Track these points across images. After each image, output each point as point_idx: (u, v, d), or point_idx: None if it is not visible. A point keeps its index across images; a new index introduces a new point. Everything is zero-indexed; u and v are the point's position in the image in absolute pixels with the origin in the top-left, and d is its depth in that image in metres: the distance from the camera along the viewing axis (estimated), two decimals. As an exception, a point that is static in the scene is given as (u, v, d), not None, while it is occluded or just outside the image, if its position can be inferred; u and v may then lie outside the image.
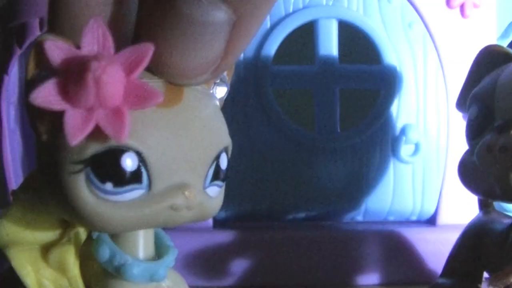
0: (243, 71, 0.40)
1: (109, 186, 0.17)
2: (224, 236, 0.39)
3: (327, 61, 0.41)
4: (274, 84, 0.41)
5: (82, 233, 0.20)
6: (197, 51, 0.17)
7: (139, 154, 0.17)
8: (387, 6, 0.41)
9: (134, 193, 0.17)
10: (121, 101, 0.16)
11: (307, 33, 0.41)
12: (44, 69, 0.16)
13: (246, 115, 0.41)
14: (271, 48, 0.41)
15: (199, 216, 0.18)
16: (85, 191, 0.17)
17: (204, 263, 0.39)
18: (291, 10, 0.41)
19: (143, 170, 0.17)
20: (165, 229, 0.21)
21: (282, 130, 0.41)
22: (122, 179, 0.17)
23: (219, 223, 0.42)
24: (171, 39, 0.17)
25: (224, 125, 0.19)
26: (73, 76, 0.16)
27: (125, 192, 0.17)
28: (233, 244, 0.39)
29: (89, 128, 0.16)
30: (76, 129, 0.16)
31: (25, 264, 0.19)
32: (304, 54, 0.43)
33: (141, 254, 0.19)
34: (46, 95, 0.16)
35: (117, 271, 0.18)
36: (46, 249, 0.19)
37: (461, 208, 0.40)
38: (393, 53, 0.41)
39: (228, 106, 0.43)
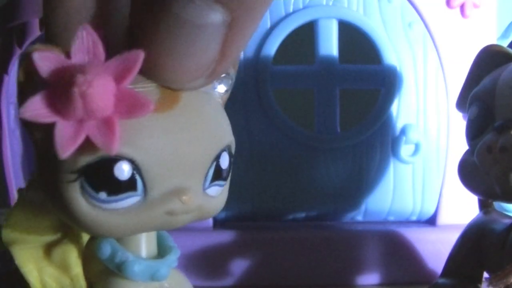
0: (243, 71, 0.40)
1: (103, 195, 0.17)
2: (224, 236, 0.39)
3: (327, 61, 0.41)
4: (274, 84, 0.41)
5: (84, 233, 0.20)
6: (191, 54, 0.16)
7: (132, 162, 0.17)
8: (387, 6, 0.41)
9: (130, 200, 0.17)
10: (112, 110, 0.16)
11: (307, 33, 0.41)
12: (33, 81, 0.16)
13: (246, 115, 0.41)
14: (271, 48, 0.41)
15: (200, 217, 0.18)
16: (80, 199, 0.17)
17: (204, 263, 0.39)
18: (291, 10, 0.41)
19: (137, 177, 0.17)
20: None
21: (282, 130, 0.41)
22: (116, 187, 0.17)
23: (219, 223, 0.42)
24: (165, 42, 0.16)
25: (225, 123, 0.19)
26: (61, 89, 0.15)
27: (120, 200, 0.17)
28: (233, 244, 0.39)
29: (80, 140, 0.16)
30: (66, 141, 0.16)
31: (28, 262, 0.19)
32: (304, 54, 0.43)
33: (143, 252, 0.19)
34: (35, 108, 0.16)
35: (118, 269, 0.18)
36: (48, 248, 0.19)
37: (461, 208, 0.40)
38: (393, 53, 0.41)
39: (228, 106, 0.43)
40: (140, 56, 0.16)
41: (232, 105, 0.40)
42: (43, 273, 0.19)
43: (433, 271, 0.38)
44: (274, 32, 0.41)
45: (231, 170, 0.19)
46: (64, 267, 0.19)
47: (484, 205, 0.32)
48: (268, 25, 0.41)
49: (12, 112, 0.47)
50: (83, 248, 0.20)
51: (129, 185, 0.17)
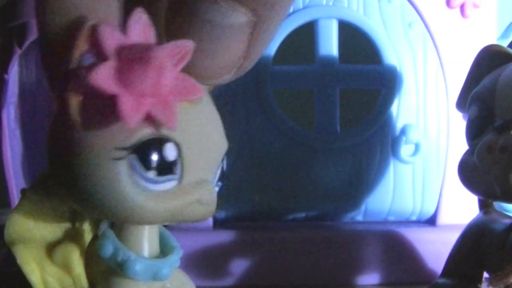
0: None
1: (151, 174, 0.17)
2: (224, 236, 0.39)
3: (327, 61, 0.41)
4: (274, 84, 0.41)
5: (87, 233, 0.20)
6: (219, 52, 0.17)
7: (178, 145, 0.17)
8: (387, 6, 0.41)
9: (169, 184, 0.17)
10: (169, 91, 0.16)
11: (307, 33, 0.41)
12: (93, 53, 0.17)
13: (246, 115, 0.41)
14: (271, 48, 0.41)
15: (208, 214, 0.19)
16: (126, 177, 0.17)
17: (204, 263, 0.39)
18: (291, 10, 0.41)
19: (178, 161, 0.17)
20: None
21: (282, 130, 0.41)
22: (164, 168, 0.17)
23: (219, 223, 0.42)
24: (194, 41, 0.17)
25: (222, 127, 0.20)
26: (134, 61, 0.16)
27: (164, 181, 0.17)
28: (233, 244, 0.39)
29: (143, 112, 0.16)
30: (131, 112, 0.16)
31: (31, 261, 0.19)
32: (304, 54, 0.43)
33: (145, 252, 0.19)
34: (104, 77, 0.16)
35: (120, 267, 0.19)
36: (51, 248, 0.20)
37: (461, 208, 0.40)
38: (393, 53, 0.41)
39: (228, 106, 0.44)
40: (191, 44, 0.17)
41: (232, 105, 0.40)
42: (45, 272, 0.19)
43: (433, 271, 0.38)
44: (274, 32, 0.41)
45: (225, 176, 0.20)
46: (66, 267, 0.19)
47: (484, 205, 0.32)
48: (268, 25, 0.41)
49: (12, 112, 0.47)
50: (85, 248, 0.20)
51: (173, 168, 0.17)
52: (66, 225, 0.20)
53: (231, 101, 0.40)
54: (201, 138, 0.18)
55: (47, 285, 0.19)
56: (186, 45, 0.17)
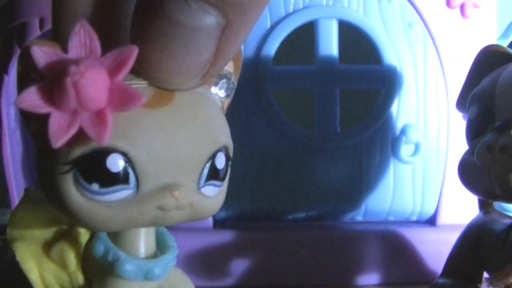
0: (243, 71, 0.40)
1: (95, 186, 0.17)
2: (224, 236, 0.39)
3: (327, 61, 0.41)
4: (274, 84, 0.41)
5: (85, 232, 0.20)
6: (186, 56, 0.17)
7: (125, 155, 0.17)
8: (387, 6, 0.41)
9: (122, 193, 0.17)
10: (105, 103, 0.16)
11: (307, 33, 0.41)
12: (30, 73, 0.17)
13: (246, 115, 0.41)
14: (271, 48, 0.41)
15: (194, 216, 0.19)
16: (73, 191, 0.17)
17: (204, 263, 0.39)
18: (291, 10, 0.41)
19: (130, 170, 0.17)
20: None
21: (282, 130, 0.41)
22: (108, 179, 0.17)
23: (219, 223, 0.42)
24: (160, 44, 0.16)
25: (223, 125, 0.19)
26: (55, 80, 0.16)
27: (112, 192, 0.17)
28: (233, 244, 0.39)
29: (73, 130, 0.16)
30: (59, 131, 0.16)
31: (29, 258, 0.19)
32: (304, 54, 0.43)
33: (139, 252, 0.19)
34: (31, 99, 0.16)
35: (111, 267, 0.19)
36: (48, 245, 0.20)
37: (461, 208, 0.40)
38: (393, 53, 0.41)
39: (228, 106, 0.43)
40: (134, 51, 0.16)
41: (232, 105, 0.40)
42: (43, 269, 0.20)
43: (433, 271, 0.38)
44: (274, 32, 0.41)
45: (228, 173, 0.20)
46: (62, 264, 0.20)
47: (484, 205, 0.32)
48: (268, 25, 0.41)
49: (12, 112, 0.47)
50: (82, 247, 0.20)
51: (122, 178, 0.17)
52: (65, 224, 0.20)
53: (231, 101, 0.40)
54: (164, 143, 0.17)
55: (45, 281, 0.19)
56: (126, 53, 0.16)
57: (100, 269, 0.19)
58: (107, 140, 0.16)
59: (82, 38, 0.16)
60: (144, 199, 0.17)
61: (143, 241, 0.19)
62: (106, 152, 0.17)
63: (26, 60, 0.17)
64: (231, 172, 0.20)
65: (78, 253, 0.20)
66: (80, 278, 0.20)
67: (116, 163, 0.17)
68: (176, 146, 0.17)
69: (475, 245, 0.30)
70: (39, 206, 0.20)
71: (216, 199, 0.19)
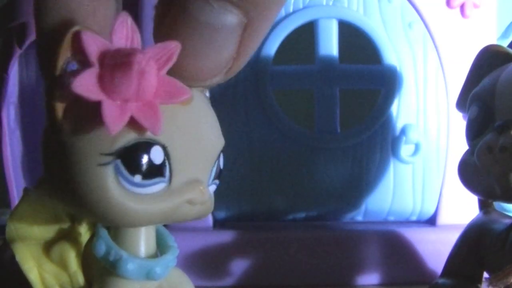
0: (243, 71, 0.40)
1: (138, 178, 0.17)
2: (224, 236, 0.39)
3: (327, 61, 0.41)
4: (274, 84, 0.41)
5: (85, 232, 0.20)
6: (210, 54, 0.17)
7: (164, 148, 0.17)
8: (387, 6, 0.41)
9: (158, 186, 0.17)
10: (153, 95, 0.17)
11: (307, 33, 0.41)
12: (77, 60, 0.17)
13: (246, 115, 0.41)
14: (271, 48, 0.41)
15: (203, 213, 0.19)
16: (112, 183, 0.17)
17: (204, 263, 0.39)
18: (291, 10, 0.41)
19: (166, 163, 0.17)
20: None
21: (282, 130, 0.41)
22: (151, 171, 0.17)
23: (219, 223, 0.42)
24: (185, 43, 0.17)
25: (219, 126, 0.20)
26: (116, 67, 0.16)
27: (152, 184, 0.17)
28: (233, 244, 0.39)
29: (127, 118, 0.16)
30: (114, 119, 0.16)
31: (29, 259, 0.19)
32: (304, 54, 0.43)
33: (140, 251, 0.19)
34: (87, 83, 0.16)
35: (112, 267, 0.19)
36: (48, 245, 0.20)
37: (461, 208, 0.40)
38: (393, 53, 0.41)
39: (228, 106, 0.44)
40: (177, 46, 0.17)
41: (232, 105, 0.40)
42: (43, 269, 0.20)
43: (433, 271, 0.38)
44: (274, 32, 0.41)
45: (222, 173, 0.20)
46: (62, 264, 0.20)
47: (484, 205, 0.32)
48: (268, 25, 0.41)
49: (12, 112, 0.47)
50: (82, 247, 0.20)
51: (160, 170, 0.17)
52: (65, 223, 0.20)
53: (231, 101, 0.40)
54: (191, 139, 0.18)
55: (44, 282, 0.19)
56: (171, 47, 0.17)
57: (101, 269, 0.19)
58: (160, 131, 0.16)
59: (125, 30, 0.17)
60: (176, 193, 0.18)
61: (144, 240, 0.19)
62: (150, 144, 0.17)
63: (73, 46, 0.16)
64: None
65: (78, 253, 0.20)
66: (80, 278, 0.20)
67: (159, 155, 0.17)
68: (202, 141, 0.18)
69: (475, 245, 0.30)
70: (39, 206, 0.20)
71: (212, 198, 0.19)
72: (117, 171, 0.17)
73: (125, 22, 0.17)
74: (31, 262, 0.19)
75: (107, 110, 0.16)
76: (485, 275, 0.30)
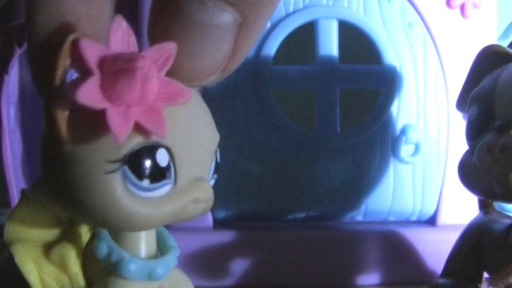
0: (243, 71, 0.40)
1: (146, 183, 0.17)
2: (224, 236, 0.39)
3: (327, 61, 0.41)
4: (274, 84, 0.41)
5: (85, 233, 0.20)
6: (205, 53, 0.17)
7: (169, 149, 0.17)
8: (387, 6, 0.41)
9: (165, 188, 0.17)
10: (155, 98, 0.17)
11: (307, 33, 0.41)
12: (76, 68, 0.16)
13: (246, 115, 0.41)
14: (271, 48, 0.41)
15: (205, 210, 0.19)
16: (120, 189, 0.17)
17: (204, 263, 0.39)
18: (291, 10, 0.41)
19: (171, 165, 0.17)
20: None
21: (282, 130, 0.41)
22: (158, 174, 0.17)
23: (219, 223, 0.42)
24: (180, 43, 0.17)
25: (213, 121, 0.20)
26: (119, 74, 0.16)
27: (160, 187, 0.17)
28: (233, 244, 0.39)
29: (131, 124, 0.16)
30: (120, 126, 0.16)
31: (28, 261, 0.19)
32: (304, 54, 0.43)
33: (141, 252, 0.19)
34: (90, 92, 0.16)
35: (114, 268, 0.19)
36: (48, 247, 0.20)
37: (461, 208, 0.40)
38: (393, 53, 0.41)
39: (228, 106, 0.44)
40: (174, 47, 0.17)
41: (232, 105, 0.40)
42: (43, 271, 0.19)
43: (433, 271, 0.38)
44: (274, 32, 0.41)
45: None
46: (63, 266, 0.20)
47: (484, 205, 0.32)
48: (268, 25, 0.41)
49: (12, 112, 0.47)
50: (82, 248, 0.20)
51: (166, 173, 0.17)
52: (65, 225, 0.20)
53: (231, 101, 0.40)
54: (191, 138, 0.18)
55: (44, 284, 0.19)
56: (169, 48, 0.17)
57: (102, 270, 0.19)
58: (165, 133, 0.16)
59: (121, 34, 0.17)
60: (181, 193, 0.18)
61: (145, 241, 0.19)
62: (154, 147, 0.17)
63: (74, 54, 0.16)
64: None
65: (78, 255, 0.20)
66: (81, 280, 0.20)
67: (164, 158, 0.17)
68: (201, 139, 0.18)
69: (475, 245, 0.30)
70: (37, 208, 0.19)
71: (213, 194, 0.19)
72: (125, 177, 0.17)
73: (120, 26, 0.17)
74: (30, 265, 0.19)
75: (112, 117, 0.16)
76: (485, 275, 0.30)
